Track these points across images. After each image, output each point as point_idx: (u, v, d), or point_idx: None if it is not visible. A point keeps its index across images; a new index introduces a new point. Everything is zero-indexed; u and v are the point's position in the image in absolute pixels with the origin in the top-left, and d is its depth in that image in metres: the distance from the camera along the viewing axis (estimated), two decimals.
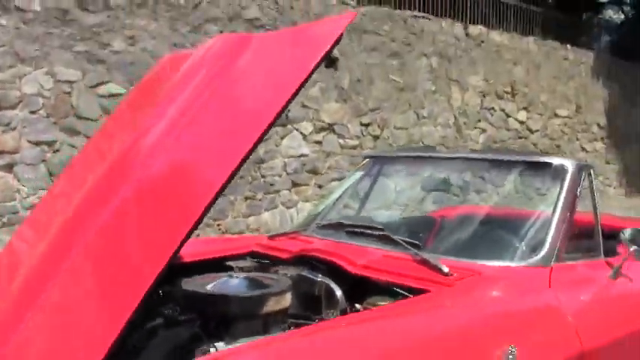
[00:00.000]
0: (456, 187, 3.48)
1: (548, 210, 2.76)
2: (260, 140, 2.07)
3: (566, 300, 2.49)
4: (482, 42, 13.41)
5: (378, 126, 11.08)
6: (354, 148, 10.66)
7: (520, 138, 13.76)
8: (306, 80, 2.04)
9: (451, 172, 3.53)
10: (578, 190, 2.83)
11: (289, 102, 2.07)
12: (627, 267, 2.79)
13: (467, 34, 13.18)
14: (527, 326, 2.31)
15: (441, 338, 2.08)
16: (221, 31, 8.77)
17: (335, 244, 2.92)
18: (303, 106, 9.88)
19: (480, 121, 12.89)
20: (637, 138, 16.59)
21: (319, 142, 10.20)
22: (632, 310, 2.80)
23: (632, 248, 2.74)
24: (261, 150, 9.13)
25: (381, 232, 2.89)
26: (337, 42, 2.04)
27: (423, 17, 12.39)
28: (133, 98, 2.98)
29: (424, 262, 2.57)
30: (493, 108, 13.17)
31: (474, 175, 3.47)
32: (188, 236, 1.91)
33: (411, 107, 11.71)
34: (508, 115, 13.39)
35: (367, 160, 3.73)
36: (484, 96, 13.05)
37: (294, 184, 9.72)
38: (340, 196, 3.60)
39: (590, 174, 2.95)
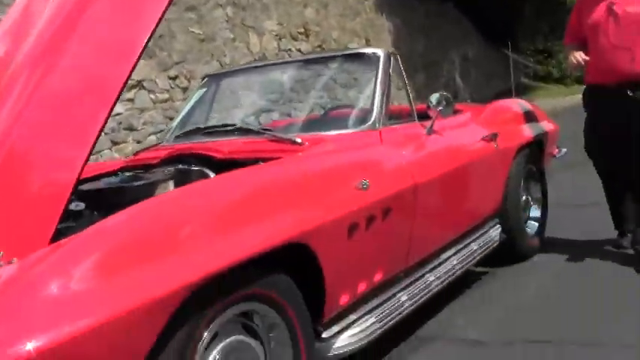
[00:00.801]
0: (288, 88, 3.99)
1: (370, 88, 3.35)
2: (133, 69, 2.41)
3: (396, 150, 3.10)
4: None
5: (185, 78, 11.35)
6: (165, 101, 10.88)
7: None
8: None
9: (281, 75, 4.06)
10: (390, 69, 3.44)
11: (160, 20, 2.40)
12: (437, 125, 3.47)
13: None
14: (372, 167, 2.88)
15: (304, 177, 2.59)
16: None
17: (198, 144, 3.33)
18: None
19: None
20: (423, 66, 17.96)
21: (131, 100, 10.33)
22: (445, 155, 3.49)
23: (438, 109, 3.40)
24: None
25: (235, 127, 3.36)
26: None
27: None
28: None
29: (279, 140, 3.07)
30: (290, 49, 13.79)
31: (302, 74, 4.00)
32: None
33: (214, 57, 12.06)
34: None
35: (206, 78, 4.17)
36: (280, 39, 13.64)
37: (114, 143, 9.81)
38: (187, 112, 4.01)
39: (397, 59, 3.56)
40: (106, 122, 2.30)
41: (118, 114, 9.95)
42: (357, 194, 2.64)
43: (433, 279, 3.31)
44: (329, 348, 2.60)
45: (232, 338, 2.16)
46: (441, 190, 3.33)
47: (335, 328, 2.65)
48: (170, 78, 11.10)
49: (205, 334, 2.03)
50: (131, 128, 10.14)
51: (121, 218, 1.97)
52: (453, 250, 3.60)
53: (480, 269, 4.20)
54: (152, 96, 10.69)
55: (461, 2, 21.85)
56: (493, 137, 3.93)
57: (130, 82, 10.58)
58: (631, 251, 4.22)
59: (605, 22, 3.93)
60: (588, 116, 4.29)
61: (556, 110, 13.85)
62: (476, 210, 3.90)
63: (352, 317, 2.75)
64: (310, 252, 2.36)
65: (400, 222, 2.95)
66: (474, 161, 3.72)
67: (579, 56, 4.02)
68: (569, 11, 4.45)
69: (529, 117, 4.71)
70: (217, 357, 2.09)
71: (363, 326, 2.75)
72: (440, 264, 3.45)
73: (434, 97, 3.43)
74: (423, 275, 3.28)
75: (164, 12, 2.41)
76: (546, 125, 4.88)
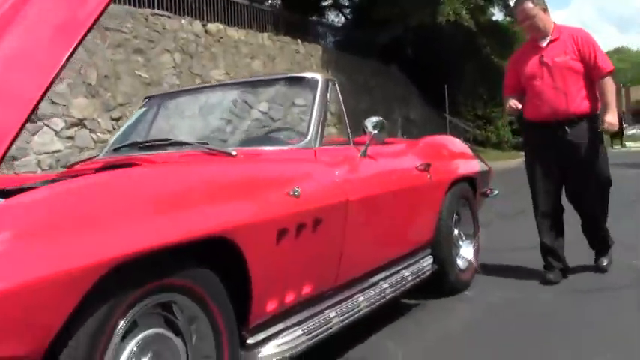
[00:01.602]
0: (228, 109, 4.03)
1: (308, 109, 3.41)
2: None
3: (330, 168, 3.14)
4: (221, 38, 14.12)
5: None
6: (106, 142, 10.80)
7: (264, 127, 14.68)
8: None
9: (223, 97, 4.11)
10: (328, 94, 3.51)
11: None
12: (372, 151, 3.53)
13: (206, 31, 13.81)
14: (305, 178, 2.90)
15: (235, 176, 2.62)
16: None
17: (134, 157, 3.31)
18: (53, 102, 9.88)
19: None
20: None
21: (72, 138, 10.24)
22: (378, 177, 3.55)
23: (373, 133, 3.46)
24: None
25: (171, 141, 3.36)
26: None
27: (163, 15, 12.83)
28: None
29: (215, 153, 3.08)
30: (236, 100, 13.87)
31: (243, 96, 4.06)
32: None
33: None
34: (250, 106, 14.16)
35: (147, 99, 4.19)
36: None
37: None
38: (126, 129, 4.00)
39: (335, 85, 3.64)
40: (14, 140, 2.25)
41: (57, 151, 9.84)
42: (288, 200, 2.66)
43: (363, 299, 3.32)
44: (254, 357, 2.57)
45: (151, 331, 2.12)
46: (372, 211, 3.37)
47: (261, 336, 2.63)
48: (113, 119, 11.05)
49: (121, 322, 1.98)
50: None
51: (41, 192, 1.96)
52: (384, 274, 3.63)
53: (411, 301, 4.23)
54: (93, 135, 10.62)
55: (404, 65, 22.42)
56: (426, 167, 4.01)
57: (71, 120, 10.58)
58: (557, 282, 4.50)
59: (540, 72, 4.56)
60: (528, 151, 4.80)
61: (495, 172, 14.16)
62: (407, 237, 3.94)
63: (279, 327, 2.73)
64: (237, 250, 2.35)
65: (331, 236, 2.97)
66: (407, 188, 3.78)
67: (514, 104, 4.63)
68: None
69: (463, 154, 4.84)
70: (134, 349, 2.05)
71: (290, 337, 2.73)
72: (370, 286, 3.46)
73: (369, 122, 3.49)
74: (352, 295, 3.29)
75: (85, 35, 2.41)
76: (479, 165, 5.00)
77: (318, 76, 3.60)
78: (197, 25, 13.62)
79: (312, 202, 2.80)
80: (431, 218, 4.15)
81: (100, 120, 10.78)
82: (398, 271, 3.76)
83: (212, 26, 13.98)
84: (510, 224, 7.48)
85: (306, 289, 2.87)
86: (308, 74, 3.69)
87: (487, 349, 3.37)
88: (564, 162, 4.54)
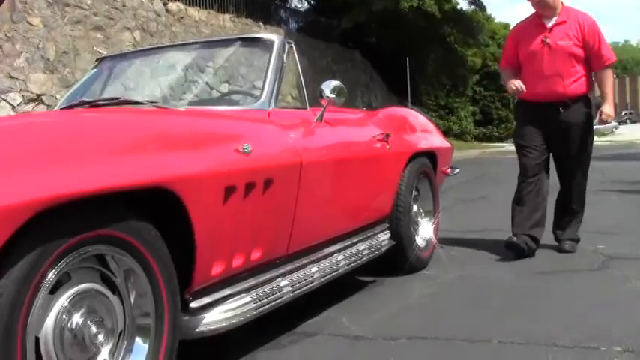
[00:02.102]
0: (183, 70, 3.89)
1: (263, 70, 3.27)
2: None
3: (284, 130, 3.01)
4: (182, 18, 13.88)
5: None
6: None
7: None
8: None
9: (176, 58, 3.94)
10: (284, 57, 3.38)
11: None
12: (329, 117, 3.41)
13: (167, 10, 13.56)
14: (257, 137, 2.76)
15: (180, 127, 2.50)
16: None
17: None
18: (10, 77, 9.65)
19: (185, 92, 13.35)
20: None
21: None
22: (333, 143, 3.42)
23: (330, 97, 3.32)
24: None
25: (120, 99, 3.19)
26: None
27: None
28: None
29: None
30: (197, 80, 13.67)
31: (198, 57, 3.91)
32: None
33: None
34: (204, 68, 13.98)
35: (99, 61, 4.02)
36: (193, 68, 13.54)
37: None
38: (76, 89, 3.83)
39: (292, 47, 3.51)
40: None
41: None
42: (237, 156, 2.52)
43: (316, 270, 3.19)
44: (198, 322, 2.42)
45: (85, 285, 1.97)
46: (327, 177, 3.24)
47: (205, 300, 2.48)
48: None
49: (51, 272, 1.82)
50: None
51: None
52: (338, 246, 3.49)
53: (367, 278, 4.12)
54: None
55: (367, 51, 22.30)
56: (386, 138, 3.89)
57: (29, 95, 10.35)
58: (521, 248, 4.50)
59: (540, 52, 4.56)
60: (519, 126, 4.80)
61: (457, 162, 14.21)
62: (363, 208, 3.81)
63: (226, 292, 2.58)
64: (181, 205, 2.20)
65: (282, 199, 2.83)
66: (364, 156, 3.67)
67: (518, 84, 4.56)
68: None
69: (424, 128, 4.73)
70: (66, 304, 1.90)
71: (238, 304, 2.59)
72: (324, 257, 3.33)
73: (327, 85, 3.36)
74: (305, 265, 3.16)
75: None
76: (441, 141, 4.90)
77: (275, 38, 3.47)
78: (158, 3, 13.35)
79: (263, 161, 2.67)
80: (389, 191, 4.03)
81: (58, 96, 10.51)
82: (353, 244, 3.64)
83: (173, 5, 13.74)
84: (472, 208, 7.50)
85: (256, 255, 2.73)
86: (264, 35, 3.57)
87: (443, 323, 3.27)
88: (554, 141, 4.61)
